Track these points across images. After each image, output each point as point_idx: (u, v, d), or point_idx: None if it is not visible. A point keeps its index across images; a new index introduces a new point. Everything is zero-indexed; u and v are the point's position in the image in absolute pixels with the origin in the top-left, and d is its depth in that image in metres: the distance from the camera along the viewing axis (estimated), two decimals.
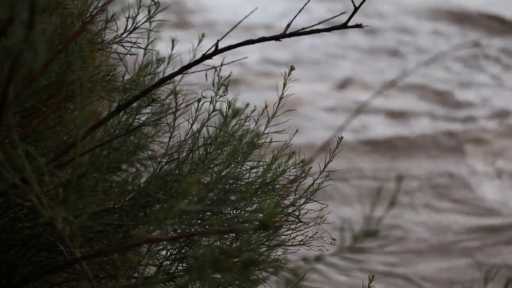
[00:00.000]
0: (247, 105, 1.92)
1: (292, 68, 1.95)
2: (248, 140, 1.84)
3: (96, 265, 1.73)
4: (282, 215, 1.88)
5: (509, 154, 5.43)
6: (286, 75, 1.96)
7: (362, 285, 1.93)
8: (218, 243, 1.74)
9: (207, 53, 1.61)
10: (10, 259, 1.63)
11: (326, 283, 3.55)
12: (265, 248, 1.79)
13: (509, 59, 7.36)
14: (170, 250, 1.76)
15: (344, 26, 1.63)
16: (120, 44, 1.84)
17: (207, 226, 1.74)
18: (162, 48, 2.01)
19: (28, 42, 1.10)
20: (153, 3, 1.83)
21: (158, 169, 1.84)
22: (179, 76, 1.70)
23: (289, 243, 1.88)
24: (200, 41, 2.12)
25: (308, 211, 1.91)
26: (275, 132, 1.96)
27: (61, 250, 1.62)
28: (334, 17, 1.60)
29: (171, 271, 1.76)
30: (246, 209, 1.80)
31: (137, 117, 1.83)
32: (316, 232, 1.92)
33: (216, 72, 1.85)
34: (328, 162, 1.96)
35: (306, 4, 1.61)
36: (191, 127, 1.91)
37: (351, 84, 6.62)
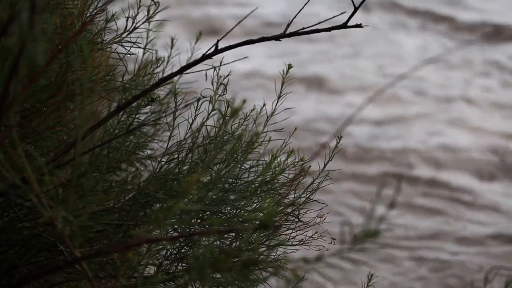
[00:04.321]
0: (244, 101, 1.91)
1: (290, 67, 1.95)
2: (247, 139, 1.84)
3: (96, 265, 1.73)
4: (282, 214, 1.88)
5: None
6: (284, 74, 1.96)
7: (361, 283, 1.93)
8: (218, 242, 1.74)
9: (207, 53, 1.61)
10: (10, 259, 1.63)
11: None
12: (265, 248, 1.79)
13: None
14: (170, 250, 1.76)
15: (344, 26, 1.63)
16: (120, 44, 1.84)
17: (207, 226, 1.74)
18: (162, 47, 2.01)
19: (29, 40, 1.10)
20: (152, 3, 1.83)
21: (158, 169, 1.84)
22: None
23: (289, 243, 1.88)
24: (197, 39, 2.12)
25: (308, 211, 1.91)
26: (274, 130, 1.96)
27: (61, 250, 1.62)
28: (334, 16, 1.60)
29: (171, 271, 1.76)
30: (246, 208, 1.80)
31: (136, 116, 1.83)
32: (316, 232, 1.92)
33: (215, 71, 1.85)
34: (328, 161, 1.96)
35: (306, 3, 1.61)
36: (190, 126, 1.91)
37: None
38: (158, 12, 1.85)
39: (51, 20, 1.57)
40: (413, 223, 4.79)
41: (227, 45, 1.61)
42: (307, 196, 1.92)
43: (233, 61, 1.66)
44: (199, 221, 1.78)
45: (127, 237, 1.72)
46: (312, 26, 1.62)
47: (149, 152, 1.96)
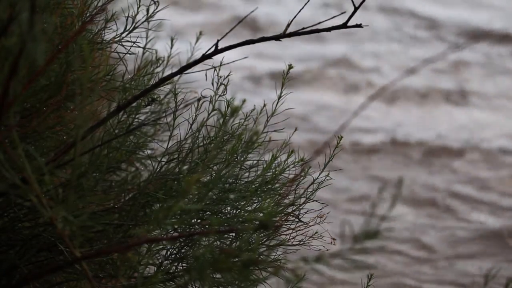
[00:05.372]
0: (244, 101, 1.91)
1: (290, 67, 1.95)
2: (247, 139, 1.84)
3: (96, 265, 1.73)
4: (282, 214, 1.88)
5: None
6: (284, 74, 1.96)
7: (361, 283, 1.93)
8: (218, 242, 1.74)
9: (206, 53, 1.61)
10: (10, 259, 1.63)
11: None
12: (265, 248, 1.79)
13: None
14: (170, 250, 1.76)
15: (344, 26, 1.63)
16: (120, 43, 1.84)
17: (207, 226, 1.74)
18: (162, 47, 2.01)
19: (29, 40, 1.10)
20: (152, 2, 1.83)
21: (158, 169, 1.84)
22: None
23: (289, 243, 1.88)
24: (197, 39, 2.12)
25: (308, 211, 1.91)
26: (274, 130, 1.96)
27: (61, 250, 1.62)
28: (334, 17, 1.60)
29: (171, 270, 1.75)
30: (246, 208, 1.80)
31: (136, 116, 1.83)
32: (316, 232, 1.92)
33: (215, 71, 1.84)
34: (328, 161, 1.96)
35: (306, 3, 1.61)
36: (190, 126, 1.91)
37: None
38: (157, 12, 1.85)
39: (51, 20, 1.57)
40: None
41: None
42: (307, 196, 1.92)
43: (233, 61, 1.66)
44: (199, 221, 1.78)
45: (127, 237, 1.72)
46: (312, 26, 1.62)
47: (149, 152, 1.95)
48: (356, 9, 1.63)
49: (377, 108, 6.56)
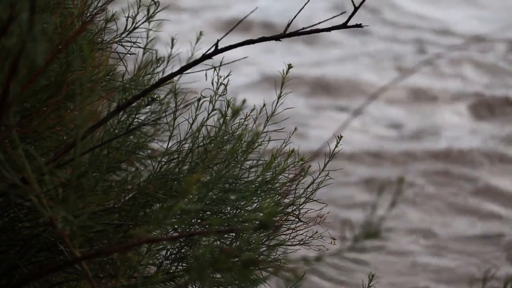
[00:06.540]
0: (244, 101, 1.90)
1: (290, 67, 1.95)
2: (248, 139, 1.84)
3: (96, 265, 1.73)
4: (282, 214, 1.88)
5: None
6: (284, 74, 1.96)
7: (362, 284, 1.93)
8: (218, 242, 1.74)
9: (207, 53, 1.61)
10: (10, 259, 1.63)
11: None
12: (265, 248, 1.79)
13: None
14: (170, 250, 1.76)
15: (344, 26, 1.63)
16: (120, 44, 1.84)
17: (207, 226, 1.74)
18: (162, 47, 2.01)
19: (29, 40, 1.10)
20: (152, 2, 1.83)
21: (158, 169, 1.84)
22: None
23: (289, 243, 1.88)
24: (198, 39, 2.12)
25: (308, 211, 1.91)
26: (274, 130, 1.96)
27: (61, 250, 1.62)
28: (334, 17, 1.60)
29: (171, 271, 1.76)
30: (246, 208, 1.80)
31: (136, 116, 1.83)
32: (316, 232, 1.92)
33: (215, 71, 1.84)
34: (328, 161, 1.96)
35: (306, 3, 1.61)
36: (190, 126, 1.91)
37: None
38: (158, 12, 1.85)
39: (51, 20, 1.57)
40: None
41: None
42: (307, 195, 1.92)
43: (233, 61, 1.66)
44: (199, 221, 1.78)
45: (127, 237, 1.72)
46: (312, 26, 1.62)
47: (149, 152, 1.95)
48: (356, 9, 1.63)
49: None
